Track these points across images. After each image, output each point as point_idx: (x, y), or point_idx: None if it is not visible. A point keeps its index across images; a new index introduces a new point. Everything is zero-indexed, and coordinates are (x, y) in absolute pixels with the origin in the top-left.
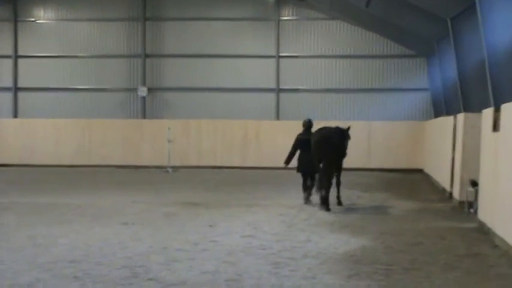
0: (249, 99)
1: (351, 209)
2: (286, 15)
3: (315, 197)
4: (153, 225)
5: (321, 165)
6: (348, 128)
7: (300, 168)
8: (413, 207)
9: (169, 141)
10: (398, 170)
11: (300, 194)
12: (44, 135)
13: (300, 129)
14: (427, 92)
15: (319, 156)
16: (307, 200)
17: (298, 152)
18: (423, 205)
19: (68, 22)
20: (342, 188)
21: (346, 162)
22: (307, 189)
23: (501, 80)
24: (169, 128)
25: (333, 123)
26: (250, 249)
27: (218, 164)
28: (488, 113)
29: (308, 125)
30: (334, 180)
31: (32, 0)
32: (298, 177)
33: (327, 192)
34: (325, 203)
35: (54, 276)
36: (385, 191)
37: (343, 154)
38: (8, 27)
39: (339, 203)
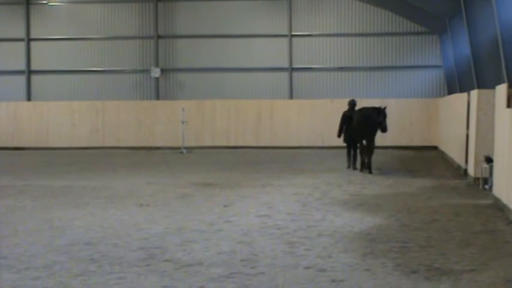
0: (262, 79)
1: (365, 187)
2: None
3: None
4: (168, 206)
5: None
6: (385, 108)
7: (345, 140)
8: (428, 184)
9: (183, 122)
10: (412, 148)
11: (313, 173)
12: (58, 118)
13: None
14: (440, 69)
15: (361, 131)
16: (349, 165)
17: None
18: (438, 182)
19: (80, 4)
20: (357, 166)
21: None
22: (350, 156)
23: None
24: (183, 109)
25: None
26: (265, 229)
27: (232, 144)
28: (502, 89)
29: (353, 104)
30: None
31: None
32: (312, 157)
33: (369, 158)
34: (368, 167)
35: (71, 259)
36: (400, 168)
37: (376, 130)
38: (20, 10)
39: (370, 171)
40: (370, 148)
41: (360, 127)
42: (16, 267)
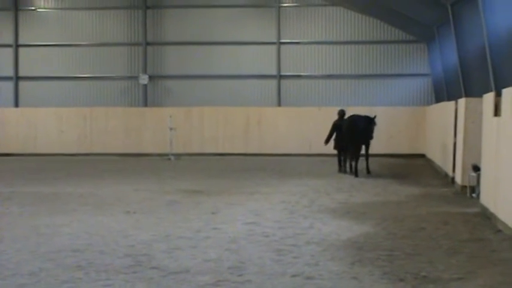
0: (250, 86)
1: (353, 195)
2: (287, 2)
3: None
4: (155, 213)
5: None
6: (374, 117)
7: (336, 146)
8: (415, 192)
9: (171, 129)
10: (400, 156)
11: (301, 181)
12: (46, 124)
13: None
14: (428, 77)
15: (350, 137)
16: (340, 169)
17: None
18: (425, 190)
19: (68, 10)
20: (346, 174)
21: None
22: (341, 162)
23: (502, 65)
24: (171, 116)
25: (334, 109)
26: (252, 236)
27: (220, 151)
28: (489, 97)
29: (342, 113)
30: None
31: None
32: (300, 164)
33: (356, 163)
34: (355, 171)
35: (58, 266)
36: (388, 176)
37: (369, 136)
38: (8, 16)
39: (368, 172)
40: (357, 154)
41: (349, 134)
42: (2, 274)
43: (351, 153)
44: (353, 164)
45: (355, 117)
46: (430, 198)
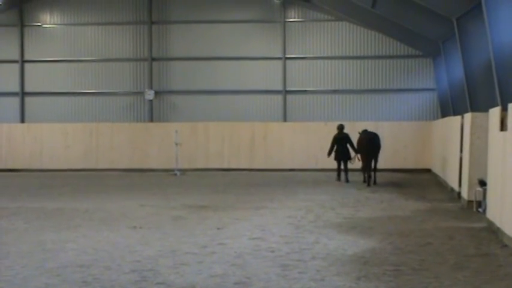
0: (256, 101)
1: (359, 210)
2: (292, 17)
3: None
4: (161, 228)
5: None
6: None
7: (336, 157)
8: (421, 207)
9: (176, 144)
10: (406, 170)
11: (306, 196)
12: (52, 140)
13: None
14: (434, 92)
15: (367, 150)
16: (339, 179)
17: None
18: (431, 205)
19: (74, 26)
20: (351, 188)
21: (354, 164)
22: (340, 172)
23: (508, 79)
24: (176, 131)
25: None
26: (258, 251)
27: (226, 166)
28: (495, 112)
29: (341, 127)
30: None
31: (38, 5)
32: (306, 179)
33: (369, 175)
34: (367, 182)
35: (63, 281)
36: (393, 191)
37: (379, 150)
38: (14, 32)
39: (375, 183)
40: (375, 165)
41: (367, 148)
42: None
43: (365, 166)
44: (366, 175)
45: (372, 135)
46: (436, 213)
